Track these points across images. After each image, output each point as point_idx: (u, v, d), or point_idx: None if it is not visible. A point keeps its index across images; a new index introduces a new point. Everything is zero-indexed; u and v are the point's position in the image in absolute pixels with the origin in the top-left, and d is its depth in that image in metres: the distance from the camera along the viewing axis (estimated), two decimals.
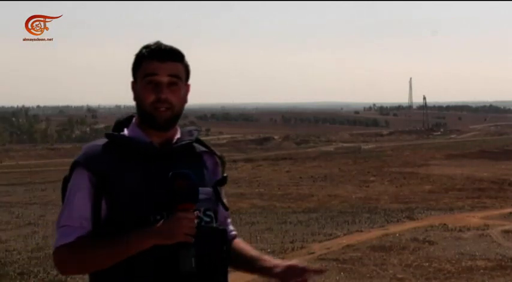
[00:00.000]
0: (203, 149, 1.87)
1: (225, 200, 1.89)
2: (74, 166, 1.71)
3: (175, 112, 1.75)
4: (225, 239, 1.80)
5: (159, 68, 1.71)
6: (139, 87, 1.75)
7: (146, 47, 1.75)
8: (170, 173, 1.64)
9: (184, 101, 1.80)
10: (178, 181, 1.61)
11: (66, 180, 1.75)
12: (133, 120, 1.82)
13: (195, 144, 1.86)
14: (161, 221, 1.63)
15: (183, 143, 1.79)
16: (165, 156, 1.74)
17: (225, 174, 1.88)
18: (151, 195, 1.67)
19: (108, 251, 1.63)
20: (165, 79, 1.71)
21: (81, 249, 1.63)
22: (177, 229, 1.60)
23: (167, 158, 1.74)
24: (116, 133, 1.78)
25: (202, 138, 1.91)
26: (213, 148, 1.89)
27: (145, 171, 1.69)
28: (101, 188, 1.66)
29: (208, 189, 1.80)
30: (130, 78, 1.80)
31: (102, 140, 1.75)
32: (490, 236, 12.24)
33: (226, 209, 1.87)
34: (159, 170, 1.69)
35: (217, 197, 1.83)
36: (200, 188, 1.69)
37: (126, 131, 1.79)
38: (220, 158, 1.89)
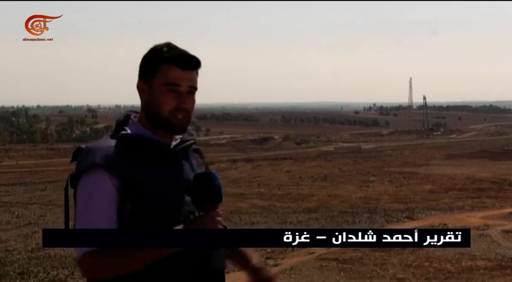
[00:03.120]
0: (195, 146, 1.92)
1: None
2: (91, 167, 1.61)
3: (190, 118, 1.77)
4: None
5: (182, 78, 1.69)
6: (158, 92, 1.70)
7: (167, 50, 1.70)
8: (196, 173, 1.71)
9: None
10: (213, 182, 1.67)
11: (73, 179, 1.67)
12: (132, 118, 1.78)
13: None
14: (196, 220, 1.66)
15: (190, 142, 1.82)
16: (176, 155, 1.77)
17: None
18: (179, 195, 1.68)
19: (146, 252, 1.60)
20: (186, 89, 1.71)
21: (115, 253, 1.58)
22: (215, 228, 1.64)
23: (178, 157, 1.78)
24: (132, 133, 1.73)
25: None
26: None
27: (166, 171, 1.69)
28: (126, 191, 1.61)
29: None
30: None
31: (109, 141, 1.69)
32: (490, 236, 12.23)
33: None
34: (177, 169, 1.72)
35: None
36: None
37: (128, 130, 1.73)
38: (200, 152, 1.90)
